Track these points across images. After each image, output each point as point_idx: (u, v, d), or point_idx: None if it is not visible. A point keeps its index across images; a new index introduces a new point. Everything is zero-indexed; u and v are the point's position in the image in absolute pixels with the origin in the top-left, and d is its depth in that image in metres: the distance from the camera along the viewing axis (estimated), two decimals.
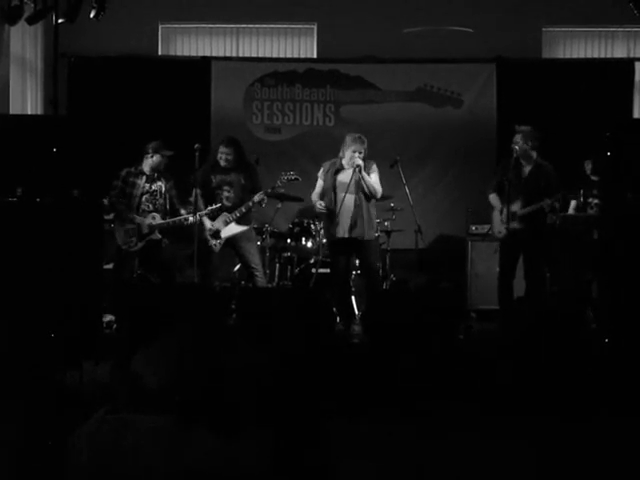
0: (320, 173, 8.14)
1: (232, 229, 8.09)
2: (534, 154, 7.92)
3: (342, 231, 7.88)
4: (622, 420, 5.34)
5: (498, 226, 8.07)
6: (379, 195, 7.97)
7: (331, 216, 7.90)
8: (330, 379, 5.55)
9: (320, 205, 7.93)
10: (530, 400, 5.56)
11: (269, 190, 8.09)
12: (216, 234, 8.10)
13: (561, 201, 8.14)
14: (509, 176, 7.84)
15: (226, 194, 8.14)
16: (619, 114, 10.12)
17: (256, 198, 7.99)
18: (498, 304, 8.11)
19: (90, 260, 7.05)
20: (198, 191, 8.05)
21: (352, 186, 7.84)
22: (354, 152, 7.82)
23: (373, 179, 7.93)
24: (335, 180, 7.94)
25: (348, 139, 7.93)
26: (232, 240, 8.16)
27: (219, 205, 8.03)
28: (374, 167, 7.99)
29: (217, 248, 8.13)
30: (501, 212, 7.97)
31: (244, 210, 8.03)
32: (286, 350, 5.71)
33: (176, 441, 2.14)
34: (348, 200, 7.86)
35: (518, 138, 7.88)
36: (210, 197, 8.15)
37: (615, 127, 7.44)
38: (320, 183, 8.12)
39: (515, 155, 7.87)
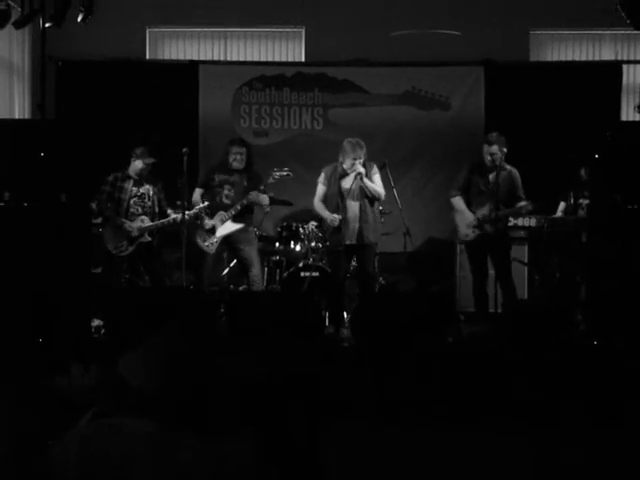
0: (321, 178, 8.09)
1: (228, 227, 8.11)
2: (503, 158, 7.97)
3: (349, 238, 7.87)
4: (609, 423, 5.36)
5: (464, 229, 8.09)
6: (382, 197, 8.01)
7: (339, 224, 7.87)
8: (318, 382, 5.54)
9: (334, 219, 7.83)
10: (519, 403, 5.57)
11: (262, 187, 8.12)
12: (212, 230, 8.10)
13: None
14: (477, 180, 7.91)
15: (226, 192, 8.20)
16: (607, 117, 10.14)
17: (250, 196, 8.03)
18: (474, 307, 8.18)
19: (78, 264, 7.04)
20: (200, 190, 8.24)
21: (356, 192, 7.86)
22: (354, 160, 7.79)
23: (376, 182, 7.95)
24: (340, 187, 7.92)
25: (347, 146, 7.85)
26: (231, 241, 8.17)
27: (207, 204, 8.06)
28: (375, 169, 8.01)
29: (212, 248, 8.12)
30: (470, 216, 7.98)
31: (239, 208, 8.05)
32: (275, 354, 5.70)
33: (164, 445, 2.13)
34: (353, 207, 7.87)
35: (495, 149, 7.87)
36: (211, 196, 8.21)
37: (604, 130, 7.46)
38: (322, 188, 8.07)
39: (492, 164, 7.87)
